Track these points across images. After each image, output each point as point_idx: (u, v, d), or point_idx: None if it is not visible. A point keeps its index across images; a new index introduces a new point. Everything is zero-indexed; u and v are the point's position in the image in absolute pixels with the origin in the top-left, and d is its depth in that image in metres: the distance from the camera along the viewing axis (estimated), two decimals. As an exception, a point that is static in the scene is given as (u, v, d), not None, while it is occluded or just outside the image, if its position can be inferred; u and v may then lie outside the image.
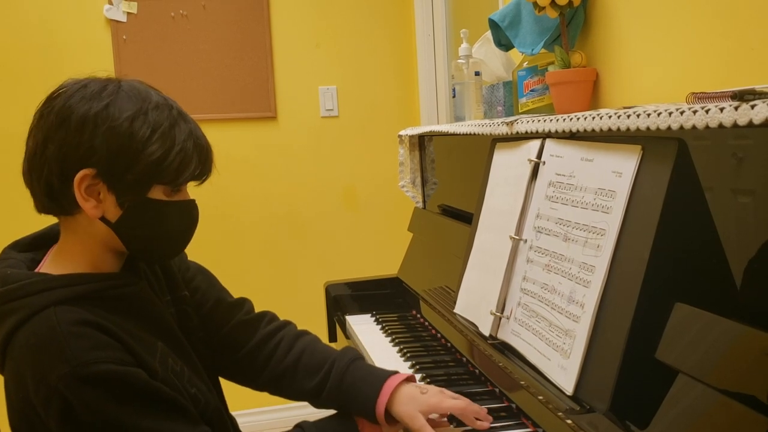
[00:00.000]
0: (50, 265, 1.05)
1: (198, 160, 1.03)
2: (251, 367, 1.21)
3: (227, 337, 1.23)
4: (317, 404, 1.18)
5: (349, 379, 1.13)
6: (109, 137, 0.96)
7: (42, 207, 1.03)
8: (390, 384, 1.11)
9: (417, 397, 1.09)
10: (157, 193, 1.01)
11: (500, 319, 1.24)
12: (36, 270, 1.04)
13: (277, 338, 1.22)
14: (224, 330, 1.23)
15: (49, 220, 1.12)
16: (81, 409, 0.91)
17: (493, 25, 1.60)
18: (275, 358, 1.20)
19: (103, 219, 1.00)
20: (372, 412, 1.10)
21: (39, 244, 1.09)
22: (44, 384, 0.91)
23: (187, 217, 1.07)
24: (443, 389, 1.13)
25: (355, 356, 1.17)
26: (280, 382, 1.19)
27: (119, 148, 0.96)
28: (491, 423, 1.10)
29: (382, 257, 2.96)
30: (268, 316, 1.26)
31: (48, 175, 0.98)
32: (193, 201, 1.08)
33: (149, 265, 1.15)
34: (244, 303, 1.27)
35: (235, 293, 1.29)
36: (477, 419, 1.09)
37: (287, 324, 1.25)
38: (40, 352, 0.93)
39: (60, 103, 0.98)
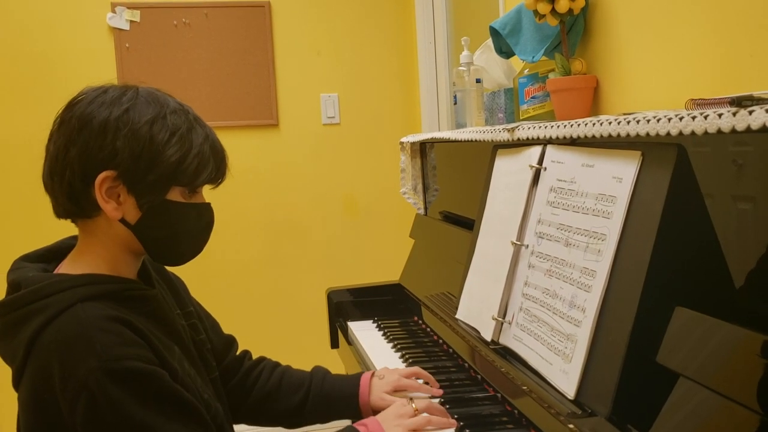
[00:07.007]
0: (68, 267, 1.06)
1: (214, 163, 1.07)
2: (239, 394, 1.30)
3: (223, 370, 1.28)
4: (301, 419, 1.31)
5: (327, 386, 1.30)
6: (130, 140, 0.99)
7: (63, 211, 1.05)
8: (365, 378, 1.30)
9: (379, 385, 1.29)
10: (175, 195, 1.04)
11: (502, 324, 1.24)
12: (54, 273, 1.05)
13: (259, 368, 1.34)
14: (222, 364, 1.28)
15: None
16: (106, 408, 0.92)
17: (494, 33, 1.61)
18: (260, 382, 1.32)
19: (122, 221, 1.03)
20: (356, 407, 1.27)
21: (49, 257, 1.11)
22: (73, 380, 0.92)
23: (204, 218, 1.10)
24: (396, 368, 1.34)
25: (326, 371, 1.35)
26: (265, 403, 1.31)
27: (140, 151, 1.00)
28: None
29: (384, 264, 2.96)
30: (248, 354, 1.38)
31: (70, 177, 1.00)
32: (209, 204, 1.11)
33: (168, 265, 1.17)
34: (234, 340, 1.35)
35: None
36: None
37: (264, 358, 1.39)
38: (69, 347, 0.94)
39: (81, 109, 1.01)
